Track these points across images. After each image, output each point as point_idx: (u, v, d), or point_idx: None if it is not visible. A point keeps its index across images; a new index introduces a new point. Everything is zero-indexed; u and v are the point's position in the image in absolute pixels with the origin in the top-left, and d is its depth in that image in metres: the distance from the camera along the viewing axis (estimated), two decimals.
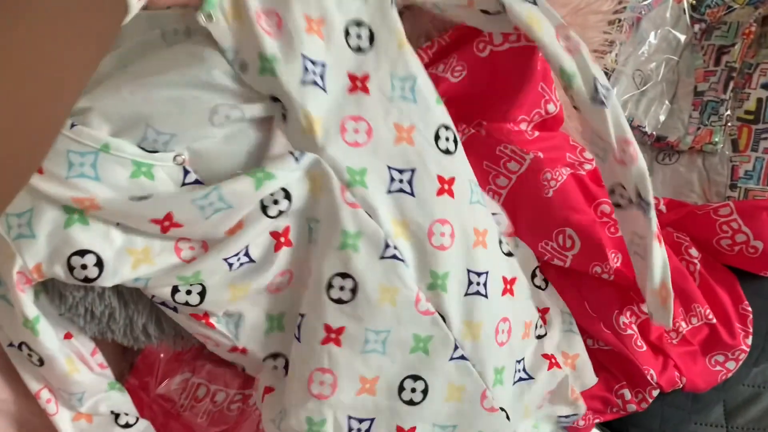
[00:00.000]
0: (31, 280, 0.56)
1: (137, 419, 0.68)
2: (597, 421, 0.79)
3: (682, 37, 0.96)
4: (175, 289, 0.60)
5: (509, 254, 0.72)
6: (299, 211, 0.62)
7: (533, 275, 0.76)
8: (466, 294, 0.66)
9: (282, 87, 0.58)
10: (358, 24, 0.62)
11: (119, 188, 0.56)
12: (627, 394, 0.77)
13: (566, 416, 0.76)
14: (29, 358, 0.61)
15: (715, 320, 0.79)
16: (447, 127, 0.65)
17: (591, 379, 0.77)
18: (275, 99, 0.60)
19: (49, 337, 0.59)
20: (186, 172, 0.59)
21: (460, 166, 0.66)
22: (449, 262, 0.64)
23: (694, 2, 0.97)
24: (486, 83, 0.75)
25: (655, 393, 0.77)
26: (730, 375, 0.82)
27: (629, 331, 0.77)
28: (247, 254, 0.61)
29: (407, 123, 0.64)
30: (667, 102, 0.94)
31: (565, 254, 0.78)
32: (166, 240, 0.58)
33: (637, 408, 0.78)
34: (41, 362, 0.60)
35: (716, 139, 0.88)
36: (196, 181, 0.59)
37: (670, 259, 0.79)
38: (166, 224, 0.57)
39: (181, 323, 0.65)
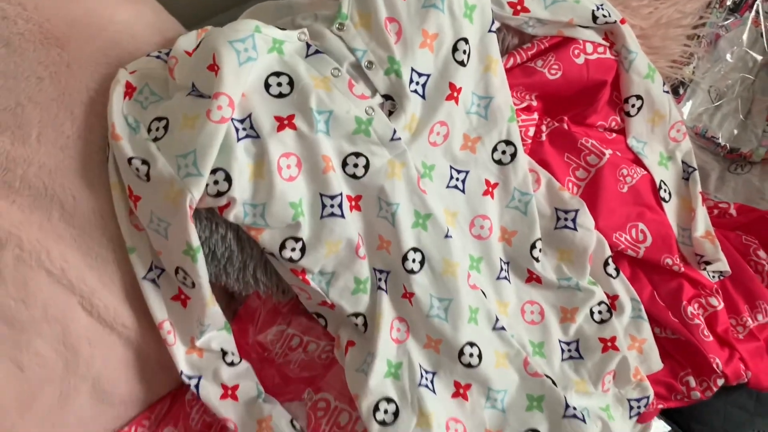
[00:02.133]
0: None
1: (240, 360, 0.76)
2: (661, 406, 0.82)
3: (759, 58, 1.01)
4: (282, 245, 0.69)
5: (536, 259, 0.80)
6: (372, 187, 0.71)
7: (605, 264, 0.82)
8: (497, 278, 0.78)
9: (404, 88, 0.70)
10: (465, 41, 0.73)
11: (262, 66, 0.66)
12: (692, 381, 0.81)
13: (637, 399, 0.80)
14: (183, 281, 0.70)
15: None
16: (508, 143, 0.77)
17: (657, 364, 0.81)
18: (387, 96, 0.71)
19: (203, 265, 0.68)
20: (308, 46, 0.70)
21: (509, 175, 0.78)
22: (485, 249, 0.78)
23: None
24: (576, 87, 0.82)
25: (720, 382, 0.80)
26: None
27: (696, 321, 0.81)
28: (339, 206, 0.69)
29: (474, 134, 0.77)
30: (741, 117, 0.99)
31: (638, 246, 0.83)
32: (277, 144, 0.67)
33: (701, 396, 0.81)
34: (193, 285, 0.69)
35: None
36: (317, 52, 0.70)
37: (736, 260, 0.84)
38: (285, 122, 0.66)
39: (282, 275, 0.74)
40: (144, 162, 0.65)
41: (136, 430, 0.78)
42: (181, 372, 0.74)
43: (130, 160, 0.66)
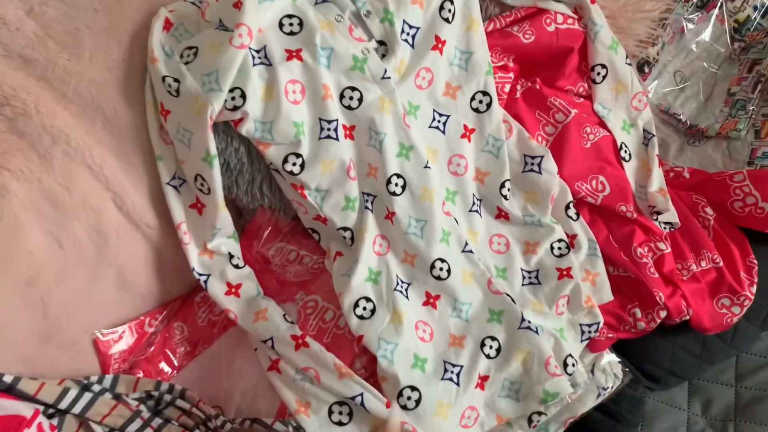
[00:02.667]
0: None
1: (244, 264, 0.89)
2: (611, 335, 0.93)
3: (722, 50, 1.13)
4: (285, 159, 0.82)
5: (505, 197, 0.92)
6: (364, 118, 0.83)
7: (567, 207, 0.93)
8: (469, 210, 0.91)
9: (396, 36, 0.84)
10: (451, 1, 0.86)
11: (277, 8, 0.79)
12: (638, 312, 0.91)
13: (588, 325, 0.90)
14: (201, 187, 0.82)
15: (722, 263, 0.93)
16: (485, 93, 0.90)
17: (608, 295, 0.92)
18: (381, 42, 0.84)
19: (218, 171, 0.81)
20: None
21: (485, 122, 0.90)
22: (460, 184, 0.90)
23: (736, 25, 1.15)
24: (547, 51, 0.95)
25: (663, 314, 0.90)
26: (735, 320, 0.94)
27: (644, 260, 0.92)
28: (335, 130, 0.81)
29: (455, 83, 0.90)
30: (702, 99, 1.11)
31: (597, 195, 0.95)
32: (286, 71, 0.79)
33: (646, 326, 0.91)
34: (209, 191, 0.82)
35: (740, 127, 1.04)
36: (324, 1, 0.83)
37: (686, 214, 0.95)
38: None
39: (284, 189, 0.87)
40: (175, 80, 0.79)
41: (150, 321, 0.90)
42: (193, 269, 0.86)
43: (164, 78, 0.80)
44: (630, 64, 0.98)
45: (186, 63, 0.80)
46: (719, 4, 1.14)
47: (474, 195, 0.91)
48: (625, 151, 0.98)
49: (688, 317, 0.92)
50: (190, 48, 0.81)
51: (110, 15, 0.83)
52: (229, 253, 0.88)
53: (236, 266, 0.88)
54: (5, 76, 0.78)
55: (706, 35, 1.13)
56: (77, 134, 0.80)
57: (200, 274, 0.86)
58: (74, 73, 0.81)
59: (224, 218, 0.85)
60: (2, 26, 0.79)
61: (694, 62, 1.12)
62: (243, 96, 0.78)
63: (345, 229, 0.86)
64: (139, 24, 0.84)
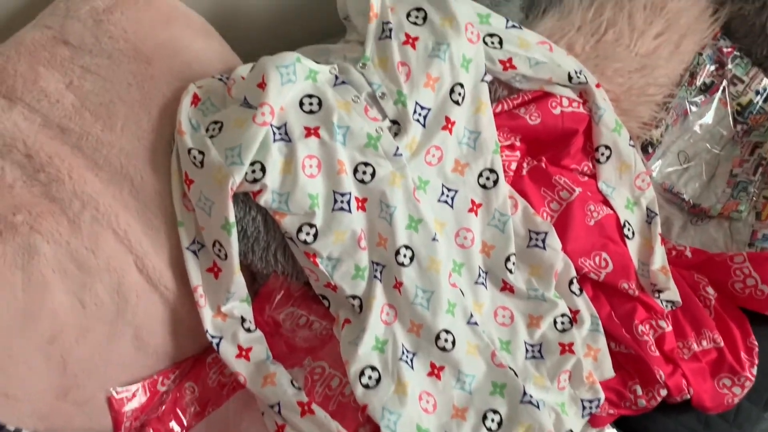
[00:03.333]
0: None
1: (256, 328, 0.92)
2: (612, 412, 0.94)
3: (725, 133, 1.17)
4: (299, 229, 0.86)
5: (510, 271, 0.95)
6: (376, 191, 0.87)
7: (570, 283, 0.96)
8: (475, 282, 0.94)
9: (408, 116, 0.89)
10: (461, 85, 0.91)
11: (299, 88, 0.85)
12: (639, 389, 0.93)
13: (589, 401, 0.92)
14: (218, 253, 0.87)
15: (722, 343, 0.95)
16: (492, 171, 0.94)
17: (609, 371, 0.93)
18: (394, 122, 0.90)
19: (236, 239, 0.85)
20: (336, 78, 0.89)
21: (491, 198, 0.94)
22: (467, 256, 0.93)
23: (739, 108, 1.19)
24: (553, 132, 1.00)
25: (663, 392, 0.92)
26: (736, 400, 0.95)
27: (645, 338, 0.94)
28: (348, 203, 0.86)
29: (464, 161, 0.94)
30: (705, 179, 1.14)
31: (600, 271, 0.97)
32: (304, 147, 0.84)
33: (647, 404, 0.93)
34: (226, 257, 0.86)
35: (742, 208, 1.07)
36: (343, 83, 0.89)
37: (687, 293, 0.98)
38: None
39: (297, 257, 0.91)
40: (200, 152, 0.84)
41: (163, 380, 0.93)
42: (207, 331, 0.89)
43: (189, 150, 0.85)
44: (633, 146, 1.02)
45: (211, 137, 0.85)
46: (722, 88, 1.19)
47: (480, 267, 0.94)
48: (629, 229, 1.01)
49: (689, 396, 0.93)
50: (215, 122, 0.86)
51: (143, 89, 0.89)
52: (242, 317, 0.91)
53: (248, 330, 0.91)
54: (43, 144, 0.83)
55: (709, 118, 1.17)
56: (105, 200, 0.85)
57: (213, 336, 0.89)
58: (106, 143, 0.86)
59: (239, 283, 0.89)
60: (44, 98, 0.85)
61: (698, 143, 1.16)
62: (263, 169, 0.83)
63: (354, 297, 0.89)
64: (169, 98, 0.90)
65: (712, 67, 1.18)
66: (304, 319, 0.95)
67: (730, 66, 1.19)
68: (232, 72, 0.92)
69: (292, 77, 0.85)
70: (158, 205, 0.89)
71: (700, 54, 1.17)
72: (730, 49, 1.19)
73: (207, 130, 0.86)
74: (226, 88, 0.91)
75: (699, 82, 1.16)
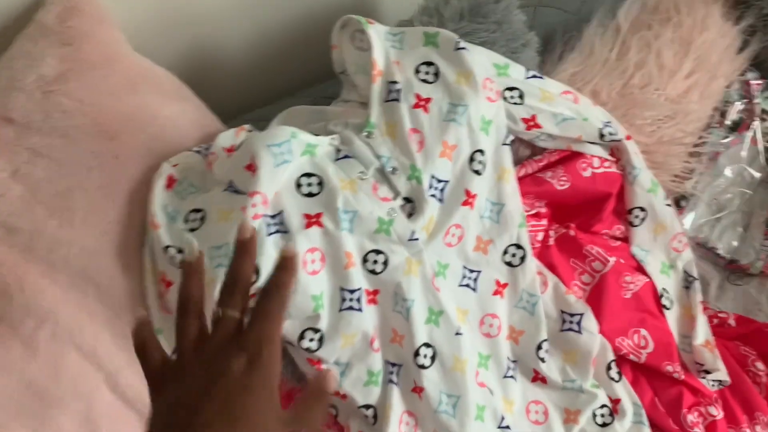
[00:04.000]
0: None
1: None
2: None
3: (757, 175, 1.07)
4: (301, 335, 0.73)
5: (542, 359, 0.83)
6: (389, 282, 0.75)
7: (608, 367, 0.85)
8: (504, 377, 0.82)
9: (423, 193, 0.75)
10: (482, 152, 0.78)
11: (295, 167, 0.72)
12: None
13: None
14: None
15: None
16: (518, 246, 0.82)
17: None
18: (407, 199, 0.77)
19: None
20: (338, 150, 0.76)
21: (518, 277, 0.82)
22: (493, 347, 0.81)
23: None
24: (583, 197, 0.88)
25: None
26: None
27: (696, 430, 0.83)
28: (358, 300, 0.73)
29: (486, 237, 0.82)
30: (740, 229, 1.04)
31: (641, 352, 0.86)
32: (304, 240, 0.71)
33: None
34: None
35: None
36: (346, 156, 0.75)
37: (735, 370, 0.87)
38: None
39: (298, 363, 0.78)
40: (179, 251, 0.70)
41: None
42: None
43: (166, 248, 0.71)
44: (669, 205, 0.91)
45: (191, 230, 0.72)
46: (751, 125, 1.08)
47: (508, 358, 0.82)
48: (667, 298, 0.90)
49: None
50: (196, 211, 0.73)
51: (105, 172, 0.74)
52: None
53: None
54: None
55: (740, 159, 1.07)
56: (66, 311, 0.71)
57: None
58: (64, 241, 0.72)
59: None
60: None
61: (729, 188, 1.06)
62: (256, 271, 0.69)
63: (367, 407, 0.77)
64: (138, 180, 0.76)
65: (741, 103, 1.07)
66: None
67: (758, 99, 1.08)
68: (211, 141, 0.79)
69: (288, 157, 0.72)
70: (131, 310, 0.74)
71: (727, 89, 1.06)
72: (758, 82, 1.08)
73: (186, 220, 0.73)
74: (205, 162, 0.77)
75: (728, 120, 1.05)
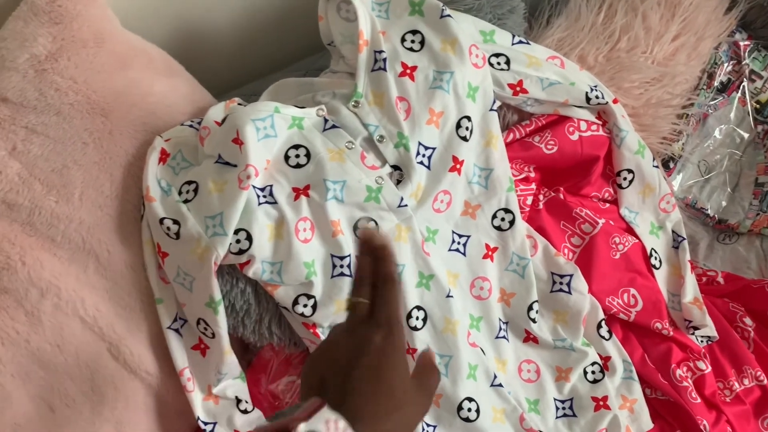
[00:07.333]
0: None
1: (253, 408, 0.81)
2: None
3: (746, 135, 1.08)
4: (295, 301, 0.75)
5: (533, 320, 0.85)
6: None
7: (599, 326, 0.87)
8: (496, 337, 0.84)
9: (411, 160, 0.77)
10: (468, 119, 0.79)
11: (282, 141, 0.73)
12: None
13: None
14: (204, 331, 0.75)
15: (766, 380, 0.87)
16: (507, 210, 0.84)
17: (647, 423, 0.85)
18: (395, 167, 0.78)
19: (223, 317, 0.74)
20: (326, 121, 0.77)
21: (508, 240, 0.84)
22: (484, 308, 0.83)
23: (758, 106, 1.10)
24: (571, 160, 0.89)
25: None
26: None
27: (685, 384, 0.85)
28: (348, 266, 0.75)
29: (475, 202, 0.84)
30: (729, 190, 1.05)
31: (630, 310, 0.88)
32: (294, 210, 0.73)
33: None
34: (213, 335, 0.75)
35: None
36: (334, 126, 0.76)
37: (724, 326, 0.89)
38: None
39: (295, 327, 0.80)
40: (175, 222, 0.72)
41: None
42: (198, 418, 0.78)
43: (162, 220, 0.73)
44: (657, 167, 0.92)
45: (185, 201, 0.73)
46: (740, 86, 1.09)
47: (500, 319, 0.84)
48: (656, 258, 0.92)
49: None
50: (189, 183, 0.74)
51: (101, 148, 0.76)
52: (237, 397, 0.80)
53: (244, 411, 0.81)
54: None
55: (729, 120, 1.08)
56: (68, 283, 0.73)
57: (205, 423, 0.79)
58: (63, 216, 0.74)
59: (231, 363, 0.78)
60: None
61: (718, 149, 1.07)
62: (249, 238, 0.71)
63: None
64: (133, 155, 0.78)
65: (729, 64, 1.08)
66: None
67: (747, 60, 1.09)
68: (203, 115, 0.80)
69: (270, 132, 0.73)
70: (131, 282, 0.77)
71: (716, 50, 1.07)
72: (746, 42, 1.09)
73: (180, 192, 0.74)
74: (197, 136, 0.79)
75: (717, 82, 1.06)
